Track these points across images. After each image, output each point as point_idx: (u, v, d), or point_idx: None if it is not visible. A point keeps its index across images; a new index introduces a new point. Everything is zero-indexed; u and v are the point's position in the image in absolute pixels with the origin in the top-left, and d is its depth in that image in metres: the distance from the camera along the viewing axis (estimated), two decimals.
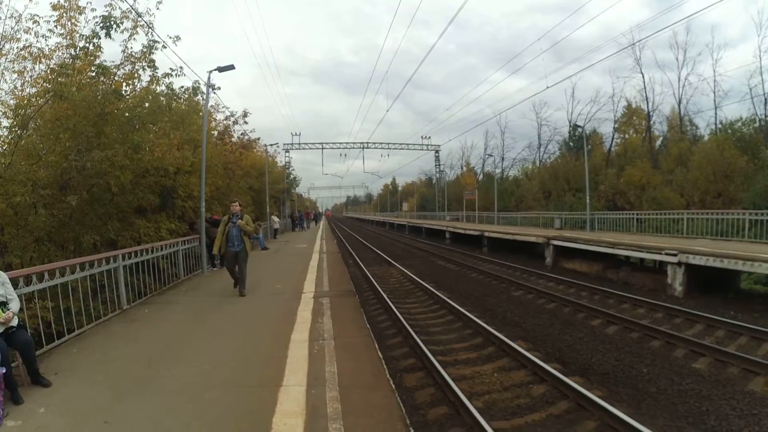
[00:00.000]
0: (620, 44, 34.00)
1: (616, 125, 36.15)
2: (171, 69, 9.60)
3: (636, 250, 10.90)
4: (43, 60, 7.99)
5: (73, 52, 8.04)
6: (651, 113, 33.56)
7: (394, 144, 43.28)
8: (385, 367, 4.02)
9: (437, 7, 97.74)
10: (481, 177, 51.80)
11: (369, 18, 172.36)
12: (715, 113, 29.53)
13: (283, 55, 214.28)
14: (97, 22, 7.86)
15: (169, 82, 9.92)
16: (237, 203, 7.26)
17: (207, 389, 3.48)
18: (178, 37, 8.97)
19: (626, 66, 48.47)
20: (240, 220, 7.04)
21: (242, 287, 7.13)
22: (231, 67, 10.11)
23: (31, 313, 4.60)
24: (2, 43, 7.76)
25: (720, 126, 28.19)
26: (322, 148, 42.11)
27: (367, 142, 41.72)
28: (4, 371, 3.07)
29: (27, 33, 7.76)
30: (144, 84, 9.28)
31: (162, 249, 7.77)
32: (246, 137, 20.37)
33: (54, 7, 7.85)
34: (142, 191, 9.19)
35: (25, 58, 7.91)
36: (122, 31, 8.15)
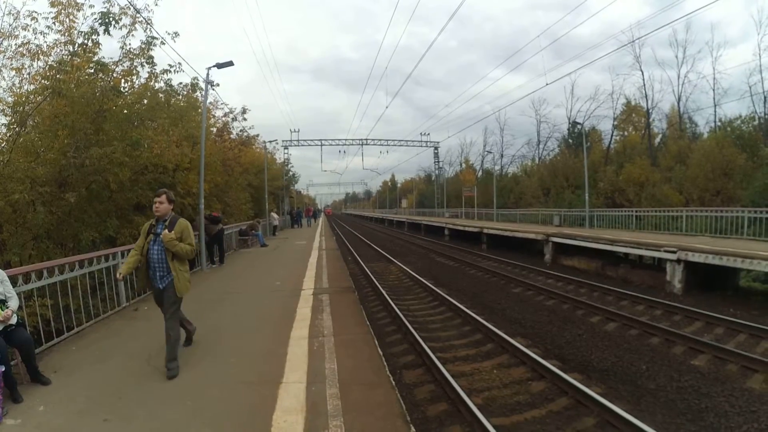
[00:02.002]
0: (620, 41, 34.13)
1: (616, 122, 36.23)
2: (170, 65, 9.62)
3: (635, 247, 10.91)
4: (41, 57, 7.94)
5: (71, 49, 8.00)
6: (650, 111, 33.65)
7: (393, 141, 43.44)
8: (385, 363, 4.02)
9: (438, 3, 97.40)
10: (480, 174, 51.80)
11: (370, 15, 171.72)
12: (715, 111, 29.66)
13: (283, 51, 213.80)
14: (95, 19, 7.83)
15: (168, 79, 9.96)
16: (163, 197, 3.86)
17: (207, 386, 3.48)
18: (176, 34, 8.97)
19: (626, 63, 48.66)
20: (166, 231, 3.72)
21: (172, 356, 3.72)
22: (230, 64, 10.10)
23: (30, 311, 4.58)
24: (0, 39, 7.72)
25: (719, 124, 28.27)
26: (321, 145, 42.17)
27: (367, 139, 41.79)
28: (3, 369, 3.07)
29: (25, 30, 7.72)
30: (142, 80, 9.30)
31: None
32: (245, 134, 20.30)
33: (52, 4, 7.78)
34: (140, 188, 9.18)
35: (23, 55, 7.86)
36: (120, 28, 8.13)
